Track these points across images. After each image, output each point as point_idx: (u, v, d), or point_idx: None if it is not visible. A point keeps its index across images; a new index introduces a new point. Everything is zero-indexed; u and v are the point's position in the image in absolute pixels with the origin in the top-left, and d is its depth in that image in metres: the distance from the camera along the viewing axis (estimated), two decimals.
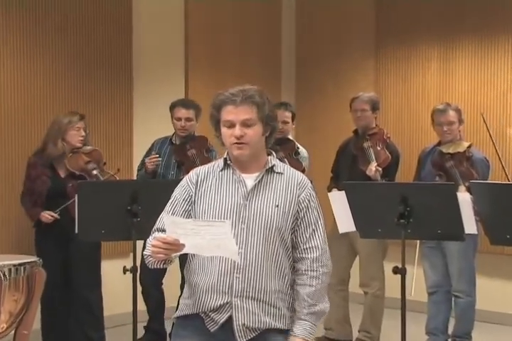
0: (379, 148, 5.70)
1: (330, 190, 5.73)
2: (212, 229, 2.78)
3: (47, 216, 5.38)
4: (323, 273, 3.12)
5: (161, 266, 3.06)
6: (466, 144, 5.50)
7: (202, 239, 2.80)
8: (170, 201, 3.16)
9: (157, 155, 5.75)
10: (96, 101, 6.46)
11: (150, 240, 3.06)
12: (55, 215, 5.37)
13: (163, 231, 3.05)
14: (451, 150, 5.45)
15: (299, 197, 3.09)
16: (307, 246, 3.09)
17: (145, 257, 3.07)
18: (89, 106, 6.37)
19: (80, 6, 6.33)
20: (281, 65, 8.04)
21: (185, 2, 7.12)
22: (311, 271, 3.09)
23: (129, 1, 6.67)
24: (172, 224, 2.85)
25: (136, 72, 6.74)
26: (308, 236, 3.09)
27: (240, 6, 7.53)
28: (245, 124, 3.02)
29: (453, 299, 5.61)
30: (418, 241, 5.26)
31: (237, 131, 3.01)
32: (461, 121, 5.58)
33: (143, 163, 5.88)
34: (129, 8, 6.66)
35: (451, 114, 5.54)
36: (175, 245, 2.85)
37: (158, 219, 3.15)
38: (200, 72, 7.22)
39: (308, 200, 3.11)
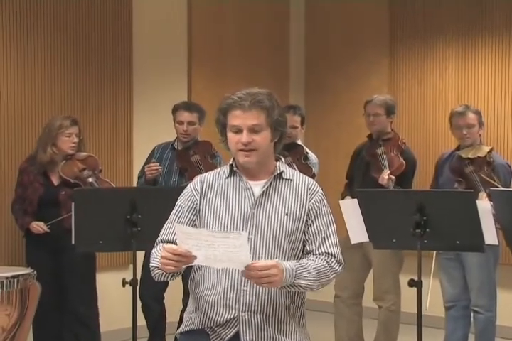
0: (393, 155, 5.68)
1: (343, 198, 5.72)
2: (228, 241, 2.75)
3: (37, 227, 5.38)
4: (331, 272, 3.06)
5: (169, 278, 3.05)
6: (486, 149, 5.48)
7: (215, 250, 2.78)
8: (174, 210, 3.15)
9: (157, 163, 5.74)
10: (94, 105, 6.46)
11: (155, 251, 3.05)
12: (45, 228, 5.37)
13: (168, 242, 3.05)
14: (470, 155, 5.43)
15: (308, 203, 3.09)
16: (318, 252, 3.07)
17: (151, 269, 3.05)
18: (87, 111, 6.38)
19: (77, 8, 6.34)
20: (289, 67, 8.05)
21: (188, 2, 7.13)
22: (318, 259, 3.06)
23: (130, 3, 6.68)
24: (183, 235, 2.82)
25: (136, 76, 6.75)
26: (317, 244, 3.08)
27: (246, 7, 7.54)
28: (253, 130, 3.01)
29: (472, 314, 5.60)
30: (434, 252, 5.25)
31: (245, 137, 3.01)
32: (481, 125, 5.57)
33: (143, 170, 5.88)
34: (129, 10, 6.68)
35: (471, 117, 5.53)
36: (186, 257, 2.83)
37: (162, 229, 3.14)
38: (204, 75, 7.22)
39: (318, 207, 3.10)
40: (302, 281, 2.96)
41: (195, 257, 2.83)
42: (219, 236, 2.78)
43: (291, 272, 2.91)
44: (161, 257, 2.88)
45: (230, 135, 3.05)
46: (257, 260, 2.93)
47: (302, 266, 2.97)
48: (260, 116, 3.02)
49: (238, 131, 3.02)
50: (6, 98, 5.99)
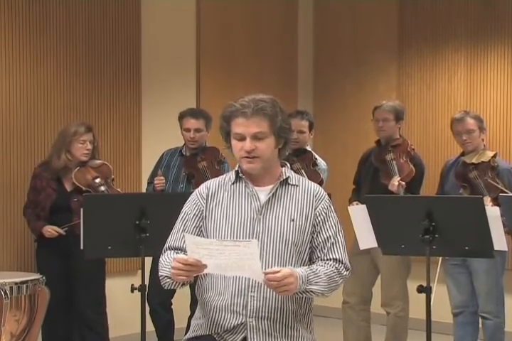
0: (402, 161, 5.67)
1: (351, 203, 5.71)
2: (239, 249, 2.78)
3: (51, 231, 5.40)
4: (340, 277, 3.10)
5: (180, 287, 3.07)
6: (490, 153, 5.49)
7: (226, 258, 2.81)
8: (180, 217, 3.17)
9: (161, 178, 5.76)
10: (103, 111, 6.48)
11: (164, 260, 3.07)
12: (61, 231, 5.38)
13: (176, 249, 3.08)
14: (474, 160, 5.44)
15: (315, 209, 3.10)
16: (326, 258, 3.10)
17: (161, 278, 3.07)
18: (96, 116, 6.40)
19: (87, 13, 6.37)
20: (297, 72, 8.05)
21: (196, 7, 7.15)
22: (327, 264, 3.10)
23: (138, 8, 6.70)
24: (194, 245, 2.85)
25: (145, 81, 6.76)
26: (326, 251, 3.10)
27: (254, 10, 7.56)
28: (256, 138, 3.03)
29: (480, 320, 5.59)
30: (440, 258, 5.25)
31: (248, 144, 3.03)
32: (482, 129, 5.57)
33: (153, 176, 5.89)
34: (137, 15, 6.70)
35: (470, 122, 5.54)
36: (197, 266, 2.86)
37: (170, 236, 3.16)
38: (212, 81, 7.23)
39: (326, 213, 3.12)
40: (314, 287, 2.99)
41: (205, 266, 2.85)
42: (229, 244, 2.81)
43: (304, 278, 2.94)
44: (172, 268, 2.90)
45: (234, 142, 3.08)
46: (265, 266, 2.95)
47: (313, 272, 3.00)
48: (263, 123, 3.03)
49: (242, 138, 3.05)
50: (17, 105, 6.01)
